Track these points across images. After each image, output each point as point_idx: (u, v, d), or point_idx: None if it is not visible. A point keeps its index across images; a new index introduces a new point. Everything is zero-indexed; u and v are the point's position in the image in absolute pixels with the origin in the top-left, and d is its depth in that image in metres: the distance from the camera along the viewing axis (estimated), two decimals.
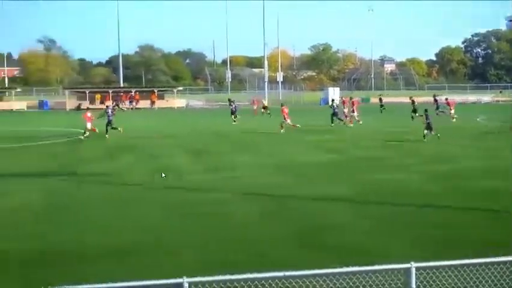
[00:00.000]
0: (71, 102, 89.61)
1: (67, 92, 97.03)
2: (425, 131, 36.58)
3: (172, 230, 16.23)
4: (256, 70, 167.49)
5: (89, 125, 42.67)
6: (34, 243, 14.88)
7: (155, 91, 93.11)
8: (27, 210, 18.81)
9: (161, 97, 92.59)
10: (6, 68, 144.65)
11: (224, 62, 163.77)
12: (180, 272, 8.51)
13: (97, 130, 42.45)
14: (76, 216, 17.96)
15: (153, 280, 7.73)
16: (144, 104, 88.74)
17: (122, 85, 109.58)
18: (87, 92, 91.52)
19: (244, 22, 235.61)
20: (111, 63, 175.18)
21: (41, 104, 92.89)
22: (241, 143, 38.13)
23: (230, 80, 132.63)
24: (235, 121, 54.77)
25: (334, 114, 49.44)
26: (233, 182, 23.27)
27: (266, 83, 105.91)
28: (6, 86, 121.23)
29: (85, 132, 42.11)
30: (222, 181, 23.59)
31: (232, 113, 56.66)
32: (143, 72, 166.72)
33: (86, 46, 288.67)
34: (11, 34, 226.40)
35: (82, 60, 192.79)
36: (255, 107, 72.50)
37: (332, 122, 48.94)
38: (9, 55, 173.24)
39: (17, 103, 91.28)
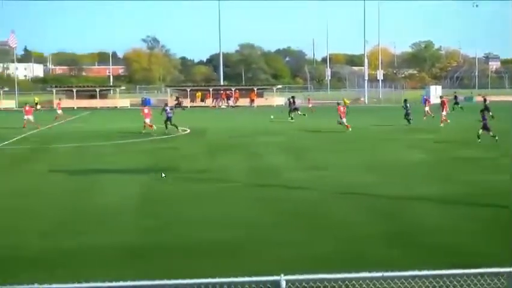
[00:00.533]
0: (172, 100, 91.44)
1: (168, 89, 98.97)
2: (480, 131, 34.99)
3: (269, 227, 16.27)
4: (356, 68, 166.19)
5: (148, 120, 44.20)
6: (134, 238, 15.28)
7: (255, 89, 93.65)
8: (128, 205, 19.29)
9: (260, 95, 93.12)
10: (111, 67, 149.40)
11: (324, 59, 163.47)
12: (276, 269, 8.52)
13: (154, 127, 43.83)
14: (174, 211, 18.30)
15: (251, 277, 7.77)
16: (244, 102, 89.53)
17: (222, 83, 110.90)
18: (188, 90, 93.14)
19: (344, 20, 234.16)
20: (212, 61, 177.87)
21: (144, 102, 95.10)
22: (333, 140, 37.86)
23: (329, 78, 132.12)
24: (292, 118, 55.84)
25: (407, 114, 48.45)
26: (326, 181, 23.10)
27: (366, 81, 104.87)
28: (111, 84, 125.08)
29: (144, 127, 43.86)
30: (316, 179, 23.46)
31: (295, 109, 58.58)
32: (243, 70, 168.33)
33: (188, 45, 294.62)
34: (117, 33, 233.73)
35: (183, 59, 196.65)
36: (310, 106, 72.19)
37: (409, 122, 47.98)
38: (115, 54, 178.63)
39: (121, 100, 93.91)
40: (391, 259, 12.98)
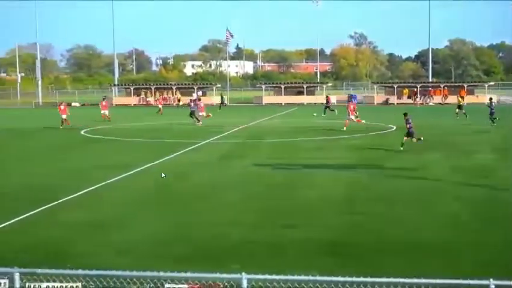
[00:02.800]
0: (379, 97, 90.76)
1: (375, 86, 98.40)
2: (405, 138, 32.25)
3: (468, 228, 15.80)
4: None
5: (204, 113, 52.08)
6: (336, 233, 15.42)
7: (465, 86, 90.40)
8: (331, 200, 19.48)
9: (471, 92, 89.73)
10: (318, 63, 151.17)
11: None
12: (482, 272, 8.21)
13: (201, 123, 49.58)
14: (376, 209, 18.21)
15: (459, 280, 7.55)
16: (453, 99, 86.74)
17: (430, 80, 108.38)
18: (395, 86, 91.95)
19: None
20: (420, 57, 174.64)
21: (350, 98, 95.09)
22: None
23: None
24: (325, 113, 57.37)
25: (491, 114, 46.29)
26: None
27: None
28: (318, 80, 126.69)
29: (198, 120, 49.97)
30: None
31: (327, 107, 61.63)
32: (453, 66, 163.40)
33: (396, 41, 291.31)
34: (324, 30, 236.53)
35: (391, 55, 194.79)
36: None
37: (493, 122, 45.62)
38: (322, 50, 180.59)
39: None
40: None
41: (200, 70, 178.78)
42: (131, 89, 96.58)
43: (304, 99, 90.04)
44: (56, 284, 8.25)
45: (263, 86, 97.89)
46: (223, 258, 13.25)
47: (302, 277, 7.73)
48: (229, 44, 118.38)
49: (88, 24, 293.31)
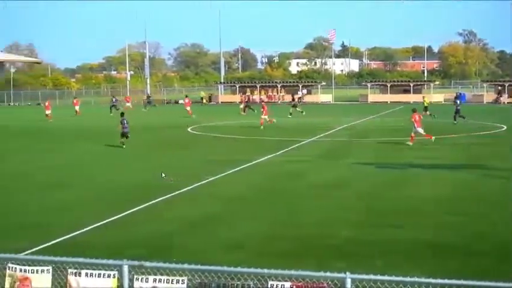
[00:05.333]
0: (488, 96, 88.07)
1: (485, 85, 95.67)
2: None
3: None
4: None
5: (188, 108, 58.36)
6: (441, 235, 15.10)
7: None
8: (437, 201, 19.11)
9: None
10: (426, 61, 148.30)
11: None
12: None
13: (193, 116, 55.77)
14: (484, 210, 17.80)
15: None
16: None
17: None
18: (506, 85, 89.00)
19: None
20: None
21: (458, 97, 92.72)
22: None
23: None
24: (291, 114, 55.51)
25: (456, 111, 47.56)
26: None
27: None
28: (425, 78, 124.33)
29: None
30: None
31: (294, 106, 60.14)
32: None
33: (507, 38, 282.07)
34: (432, 27, 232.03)
35: (502, 53, 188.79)
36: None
37: (455, 120, 46.93)
38: (430, 48, 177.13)
39: (435, 96, 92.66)
40: None
41: (305, 68, 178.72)
42: (237, 86, 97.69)
43: (411, 97, 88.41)
44: (162, 277, 8.44)
45: (368, 84, 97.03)
46: (328, 257, 13.19)
47: (407, 278, 7.59)
48: (331, 42, 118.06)
49: (195, 23, 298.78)
